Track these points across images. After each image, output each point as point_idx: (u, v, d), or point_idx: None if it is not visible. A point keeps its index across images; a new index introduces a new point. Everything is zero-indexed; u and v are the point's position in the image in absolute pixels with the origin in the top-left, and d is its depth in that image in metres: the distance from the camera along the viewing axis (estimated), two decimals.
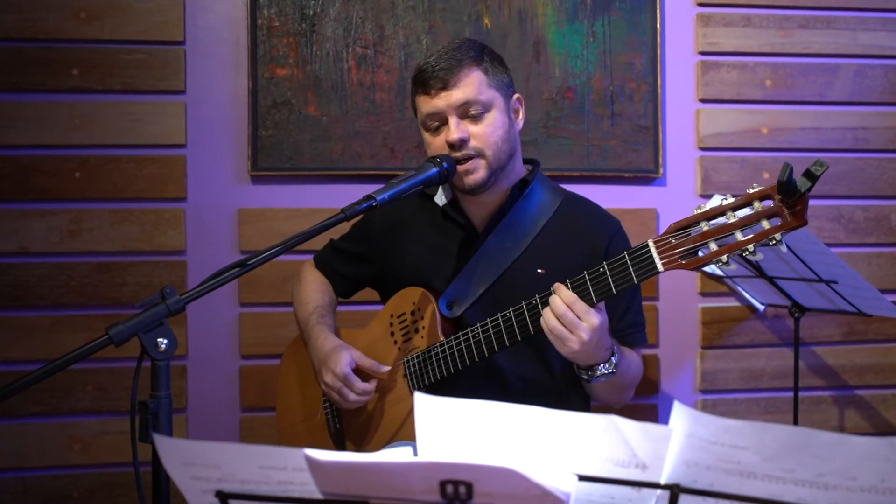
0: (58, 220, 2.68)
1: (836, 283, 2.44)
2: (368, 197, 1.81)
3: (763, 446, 0.96)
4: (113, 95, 2.70)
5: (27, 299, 2.67)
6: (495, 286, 2.09)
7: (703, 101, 2.91)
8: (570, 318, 1.76)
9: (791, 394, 2.74)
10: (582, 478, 0.99)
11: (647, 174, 2.86)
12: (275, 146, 2.73)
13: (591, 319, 1.76)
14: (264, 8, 2.72)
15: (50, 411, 2.68)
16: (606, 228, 2.16)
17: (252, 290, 2.75)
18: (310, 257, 2.43)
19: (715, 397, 2.93)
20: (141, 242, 2.71)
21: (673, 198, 2.90)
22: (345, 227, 2.13)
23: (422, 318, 2.10)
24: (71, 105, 2.68)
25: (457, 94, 1.99)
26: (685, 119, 2.91)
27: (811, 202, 2.93)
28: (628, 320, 2.12)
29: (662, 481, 1.00)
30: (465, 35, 2.76)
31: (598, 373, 1.87)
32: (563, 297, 1.77)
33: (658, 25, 2.85)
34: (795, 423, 2.71)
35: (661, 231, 2.83)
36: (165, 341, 1.45)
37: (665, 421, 0.99)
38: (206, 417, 2.75)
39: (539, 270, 2.08)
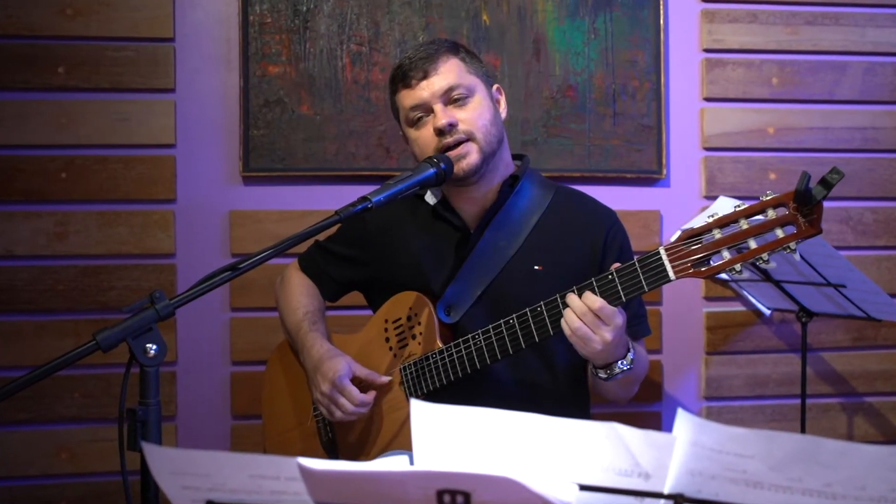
0: (43, 223, 2.68)
1: (844, 286, 2.44)
2: (363, 198, 1.81)
3: (769, 455, 0.96)
4: (100, 94, 2.70)
5: (12, 304, 2.66)
6: (492, 286, 2.09)
7: (708, 99, 2.92)
8: (591, 318, 1.78)
9: (798, 401, 2.74)
10: (583, 487, 0.99)
11: (650, 175, 2.86)
12: (267, 146, 2.73)
13: (615, 320, 1.78)
14: (256, 4, 2.72)
15: (36, 419, 2.67)
16: (604, 220, 2.17)
17: (243, 294, 2.74)
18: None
19: (720, 404, 2.93)
20: (129, 245, 2.71)
21: (677, 199, 2.90)
22: (334, 229, 2.13)
23: (418, 323, 2.09)
24: (57, 104, 2.68)
25: (439, 81, 2.03)
26: (689, 118, 2.91)
27: None
28: (632, 311, 2.13)
29: (666, 491, 1.00)
30: (463, 33, 2.77)
31: (617, 370, 1.89)
32: (586, 300, 1.78)
33: (661, 22, 2.85)
34: (803, 431, 2.72)
35: (665, 233, 2.86)
36: (154, 347, 1.45)
37: (668, 428, 0.99)
38: (197, 425, 2.74)
39: (536, 267, 2.09)
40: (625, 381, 1.99)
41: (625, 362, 1.89)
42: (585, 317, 1.78)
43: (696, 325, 2.92)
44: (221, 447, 2.73)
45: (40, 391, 2.64)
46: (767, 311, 2.90)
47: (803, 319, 2.67)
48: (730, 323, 2.92)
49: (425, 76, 2.03)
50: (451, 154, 2.01)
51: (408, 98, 2.06)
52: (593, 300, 1.77)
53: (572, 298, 1.80)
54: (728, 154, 2.92)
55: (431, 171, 1.95)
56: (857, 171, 2.95)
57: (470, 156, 2.02)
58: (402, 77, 2.06)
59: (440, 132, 2.01)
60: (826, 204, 2.94)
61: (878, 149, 2.98)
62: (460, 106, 2.03)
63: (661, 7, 2.85)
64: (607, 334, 1.78)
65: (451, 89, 2.03)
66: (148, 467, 1.05)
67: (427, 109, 2.04)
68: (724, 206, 2.72)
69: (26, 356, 2.65)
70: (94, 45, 2.70)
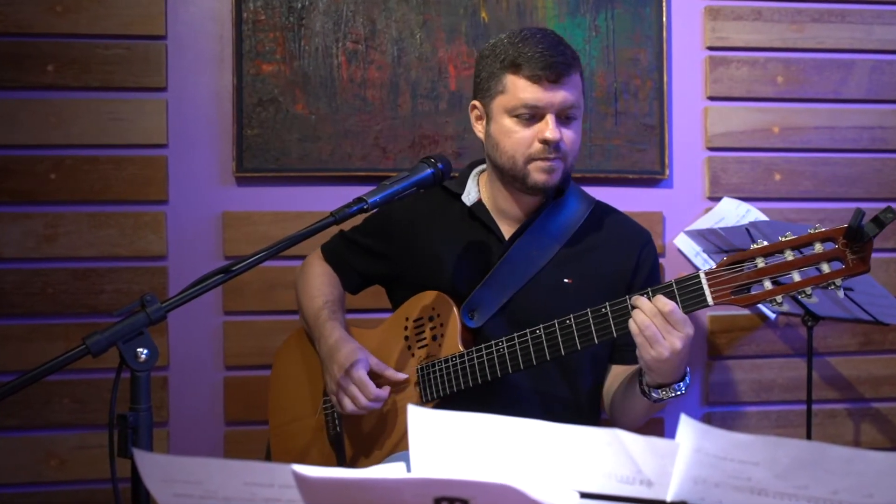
0: (33, 224, 2.67)
1: (851, 289, 2.44)
2: (359, 199, 1.81)
3: (775, 462, 0.96)
4: (90, 93, 2.70)
5: (1, 307, 2.66)
6: (519, 294, 2.09)
7: (712, 98, 2.92)
8: (661, 320, 1.74)
9: (804, 406, 2.74)
10: (584, 495, 0.99)
11: (653, 175, 2.86)
12: (261, 146, 2.73)
13: (686, 328, 1.75)
14: (250, 1, 2.72)
15: (24, 425, 2.67)
16: (638, 239, 2.19)
17: (237, 297, 2.74)
18: (303, 260, 2.42)
19: (724, 410, 2.93)
20: (120, 247, 2.70)
21: (680, 200, 2.90)
22: (350, 222, 2.11)
23: (441, 324, 2.09)
24: (46, 103, 2.68)
25: (566, 95, 1.99)
26: (692, 118, 2.92)
27: (824, 205, 2.95)
28: None
29: (669, 499, 1.00)
30: (461, 30, 2.77)
31: (674, 393, 1.86)
32: (656, 302, 1.75)
33: (664, 19, 2.85)
34: (808, 437, 2.71)
35: (668, 235, 2.86)
36: (146, 351, 1.45)
37: (671, 435, 0.99)
38: (189, 431, 2.74)
39: (566, 280, 2.09)
40: (658, 406, 1.97)
41: (682, 385, 1.87)
42: (655, 318, 1.74)
43: (699, 330, 2.91)
44: (214, 454, 2.73)
45: (29, 396, 2.63)
46: (772, 315, 2.90)
47: (809, 323, 2.67)
48: (733, 327, 2.92)
49: (556, 81, 1.97)
50: (543, 165, 2.00)
51: (529, 92, 1.97)
52: (664, 303, 1.73)
53: (641, 301, 1.76)
54: (732, 154, 2.92)
55: (429, 171, 1.94)
56: (863, 172, 2.95)
57: (556, 173, 2.02)
58: (532, 69, 1.97)
59: (546, 143, 1.98)
60: (832, 205, 2.96)
61: (885, 149, 2.98)
62: (567, 124, 2.01)
63: (664, 4, 2.85)
64: (677, 341, 1.73)
65: (571, 106, 1.99)
66: (139, 474, 1.05)
67: (537, 113, 1.99)
68: (729, 207, 2.74)
69: (15, 360, 2.64)
70: (85, 42, 2.69)
